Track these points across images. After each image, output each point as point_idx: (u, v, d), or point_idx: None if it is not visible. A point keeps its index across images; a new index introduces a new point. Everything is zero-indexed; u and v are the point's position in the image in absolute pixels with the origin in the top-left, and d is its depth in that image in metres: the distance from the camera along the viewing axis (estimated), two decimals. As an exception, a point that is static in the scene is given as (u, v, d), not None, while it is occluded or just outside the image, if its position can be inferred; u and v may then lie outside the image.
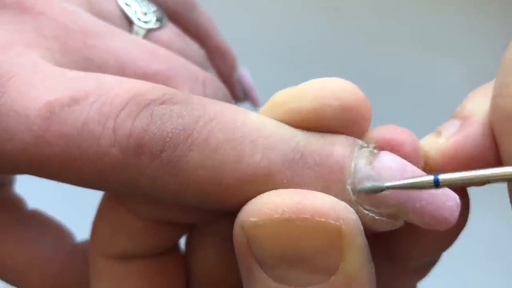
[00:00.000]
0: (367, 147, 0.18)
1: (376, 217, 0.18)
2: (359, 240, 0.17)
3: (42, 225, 0.25)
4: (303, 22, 0.62)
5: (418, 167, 0.18)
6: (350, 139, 0.18)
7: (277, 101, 0.19)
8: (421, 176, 0.17)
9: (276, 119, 0.18)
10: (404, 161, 0.18)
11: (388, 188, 0.17)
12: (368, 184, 0.17)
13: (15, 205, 0.25)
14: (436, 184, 0.17)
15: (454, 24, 0.65)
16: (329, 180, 0.17)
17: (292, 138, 0.18)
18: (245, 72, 0.35)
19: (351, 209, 0.17)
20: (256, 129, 0.18)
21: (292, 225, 0.17)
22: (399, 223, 0.18)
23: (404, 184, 0.17)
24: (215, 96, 0.23)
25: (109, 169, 0.17)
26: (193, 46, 0.28)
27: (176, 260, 0.22)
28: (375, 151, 0.18)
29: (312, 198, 0.17)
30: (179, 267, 0.22)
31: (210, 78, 0.24)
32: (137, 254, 0.21)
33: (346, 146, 0.18)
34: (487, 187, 0.20)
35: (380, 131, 0.19)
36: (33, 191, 0.23)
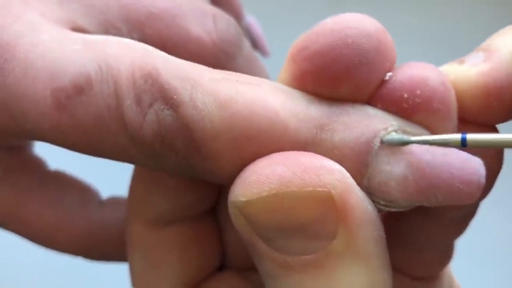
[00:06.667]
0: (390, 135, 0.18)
1: (393, 209, 0.18)
2: (353, 199, 0.17)
3: (66, 185, 0.24)
4: (302, 15, 0.62)
5: (449, 102, 0.18)
6: (372, 131, 0.17)
7: (294, 50, 0.18)
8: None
9: (298, 73, 0.18)
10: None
11: (413, 142, 0.17)
12: (395, 137, 0.17)
13: (36, 167, 0.24)
14: (463, 143, 0.17)
15: (455, 22, 0.64)
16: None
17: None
18: (253, 21, 0.34)
19: (337, 167, 0.17)
20: (272, 136, 0.17)
21: (282, 198, 0.16)
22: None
23: (430, 139, 0.17)
24: (227, 32, 0.23)
25: (131, 159, 0.18)
26: None
27: (210, 229, 0.22)
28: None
29: (295, 166, 0.17)
30: (213, 237, 0.22)
31: (220, 13, 0.23)
32: (172, 217, 0.21)
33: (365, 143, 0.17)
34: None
35: (401, 69, 0.18)
36: (53, 151, 0.22)
